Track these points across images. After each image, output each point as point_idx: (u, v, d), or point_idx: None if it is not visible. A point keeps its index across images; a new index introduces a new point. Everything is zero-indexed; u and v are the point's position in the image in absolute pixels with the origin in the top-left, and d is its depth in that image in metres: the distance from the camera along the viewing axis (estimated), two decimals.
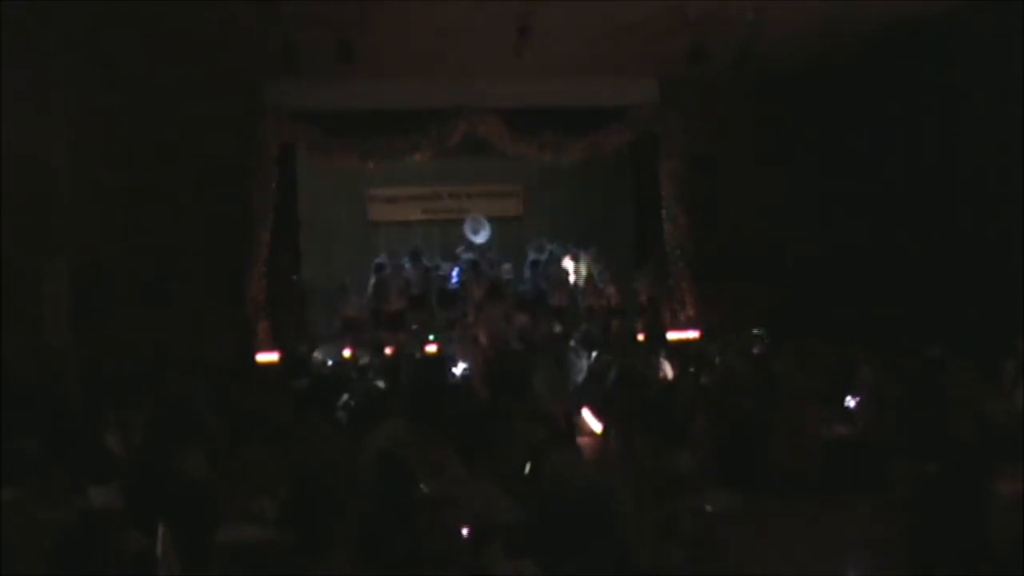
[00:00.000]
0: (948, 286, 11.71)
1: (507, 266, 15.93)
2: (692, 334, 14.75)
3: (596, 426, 10.66)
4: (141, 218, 13.75)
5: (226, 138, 14.01)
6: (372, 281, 15.30)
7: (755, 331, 12.79)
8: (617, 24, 11.98)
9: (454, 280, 15.50)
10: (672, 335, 14.58)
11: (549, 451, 5.92)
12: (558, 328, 14.45)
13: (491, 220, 16.82)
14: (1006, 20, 10.90)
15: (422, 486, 5.43)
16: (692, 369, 11.52)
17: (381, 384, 10.26)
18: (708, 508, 4.99)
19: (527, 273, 16.02)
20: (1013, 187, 10.80)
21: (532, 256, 16.13)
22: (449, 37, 12.33)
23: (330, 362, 12.98)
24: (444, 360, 12.85)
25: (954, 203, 12.07)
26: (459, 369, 12.19)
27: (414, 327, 14.87)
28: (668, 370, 11.66)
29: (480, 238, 16.61)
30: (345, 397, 9.22)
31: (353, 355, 13.45)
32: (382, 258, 15.54)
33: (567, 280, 15.79)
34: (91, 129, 12.37)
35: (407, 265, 15.53)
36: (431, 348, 14.06)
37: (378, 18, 11.18)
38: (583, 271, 16.15)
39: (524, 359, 11.75)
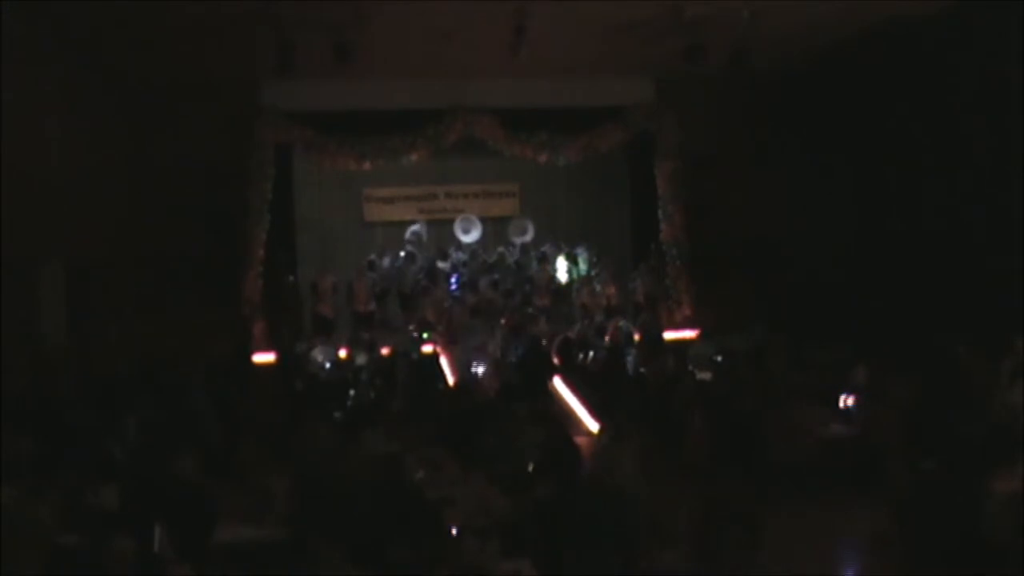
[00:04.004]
0: (947, 286, 11.71)
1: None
2: (689, 333, 14.76)
3: (593, 426, 10.67)
4: (138, 219, 13.72)
5: (223, 139, 13.99)
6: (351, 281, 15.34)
7: (752, 330, 12.79)
8: (613, 24, 11.99)
9: (453, 287, 15.53)
10: (669, 334, 14.59)
11: (550, 451, 5.93)
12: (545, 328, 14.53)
13: (486, 220, 16.85)
14: (1003, 20, 10.91)
15: (420, 486, 5.45)
16: (690, 367, 11.53)
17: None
18: None
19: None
20: (1013, 187, 10.81)
21: (510, 257, 16.20)
22: (445, 37, 12.32)
23: (327, 364, 12.96)
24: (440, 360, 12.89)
25: (953, 203, 12.07)
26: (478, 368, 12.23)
27: (410, 327, 14.86)
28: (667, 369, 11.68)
29: (470, 237, 16.63)
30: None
31: (348, 355, 13.43)
32: (373, 257, 15.53)
33: (550, 281, 15.81)
34: (89, 130, 12.35)
35: (388, 265, 15.51)
36: (426, 348, 14.07)
37: (374, 19, 11.17)
38: (579, 270, 16.17)
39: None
